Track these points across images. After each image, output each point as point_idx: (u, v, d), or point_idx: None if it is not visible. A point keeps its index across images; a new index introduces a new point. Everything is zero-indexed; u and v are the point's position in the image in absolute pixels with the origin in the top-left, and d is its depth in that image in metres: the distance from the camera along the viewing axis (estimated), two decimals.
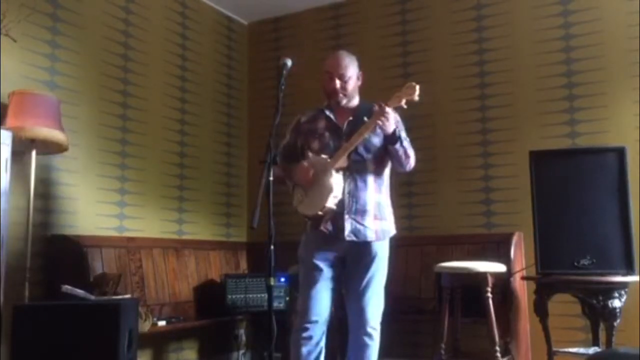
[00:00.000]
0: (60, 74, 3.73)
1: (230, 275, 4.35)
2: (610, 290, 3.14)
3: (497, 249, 3.93)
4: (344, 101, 2.81)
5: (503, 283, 3.65)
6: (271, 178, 2.37)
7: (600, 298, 3.15)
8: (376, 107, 2.69)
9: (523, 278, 3.71)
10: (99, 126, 3.96)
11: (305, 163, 2.76)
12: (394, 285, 4.26)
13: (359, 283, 2.73)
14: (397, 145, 2.69)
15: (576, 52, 4.11)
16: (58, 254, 3.52)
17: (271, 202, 2.40)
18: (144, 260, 3.99)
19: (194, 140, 4.72)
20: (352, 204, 2.70)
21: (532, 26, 4.26)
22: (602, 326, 3.33)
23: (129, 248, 3.92)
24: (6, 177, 2.81)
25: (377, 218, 2.76)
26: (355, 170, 2.72)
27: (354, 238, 2.69)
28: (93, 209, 3.88)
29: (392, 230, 2.86)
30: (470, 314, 3.66)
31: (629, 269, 3.17)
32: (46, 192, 3.60)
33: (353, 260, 2.77)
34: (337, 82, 2.78)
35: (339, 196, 2.66)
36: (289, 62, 2.65)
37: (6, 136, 2.83)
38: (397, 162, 2.78)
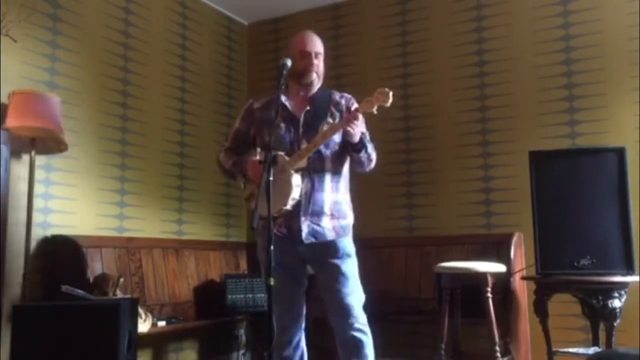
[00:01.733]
0: (60, 74, 3.73)
1: (230, 275, 4.35)
2: (610, 290, 3.14)
3: (497, 249, 3.93)
4: (317, 81, 2.70)
5: (503, 283, 3.65)
6: (271, 178, 2.36)
7: (600, 298, 3.15)
8: (336, 97, 2.63)
9: (523, 278, 3.71)
10: (99, 126, 3.97)
11: (257, 158, 2.62)
12: (394, 285, 4.30)
13: (333, 286, 2.60)
14: (362, 153, 2.59)
15: (576, 52, 4.11)
16: (58, 254, 3.52)
17: (271, 203, 2.39)
18: (144, 260, 3.99)
19: (194, 140, 4.72)
20: (309, 206, 2.59)
21: (532, 26, 4.26)
22: (602, 326, 3.33)
23: (128, 248, 3.92)
24: (6, 177, 2.81)
25: (334, 217, 2.65)
26: (313, 170, 2.60)
27: (312, 240, 2.59)
28: (93, 209, 3.88)
29: (351, 227, 2.73)
30: (470, 314, 3.66)
31: (629, 269, 3.17)
32: (46, 192, 3.60)
33: (318, 262, 2.66)
34: (314, 61, 2.67)
35: (297, 198, 2.54)
36: (289, 63, 2.57)
37: (6, 136, 2.83)
38: (358, 165, 2.68)
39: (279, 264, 2.59)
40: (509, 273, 3.67)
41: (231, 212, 5.04)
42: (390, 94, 2.44)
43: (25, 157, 3.37)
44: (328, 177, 2.64)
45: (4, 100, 3.30)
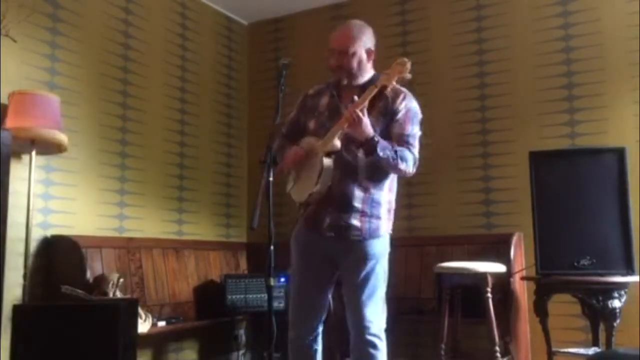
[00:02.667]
0: (60, 74, 3.73)
1: (230, 275, 4.35)
2: (610, 290, 3.14)
3: (497, 249, 3.93)
4: (345, 81, 2.53)
5: (503, 283, 3.65)
6: (271, 178, 2.36)
7: (600, 298, 3.15)
8: (381, 79, 2.40)
9: (523, 278, 3.70)
10: (99, 126, 3.97)
11: (296, 146, 2.54)
12: (394, 286, 4.28)
13: (352, 287, 2.48)
14: (376, 156, 2.35)
15: (576, 52, 4.11)
16: (58, 254, 3.52)
17: (271, 203, 2.39)
18: (144, 260, 3.99)
19: (194, 140, 4.72)
20: (335, 196, 2.43)
21: (532, 27, 4.26)
22: (602, 326, 3.33)
23: (128, 248, 3.92)
24: (6, 177, 2.81)
25: (366, 215, 2.46)
26: (347, 157, 2.44)
27: (332, 234, 2.46)
28: (93, 210, 3.88)
29: (385, 230, 2.55)
30: (470, 314, 3.66)
31: (629, 269, 3.16)
32: (46, 192, 3.60)
33: (342, 260, 2.51)
34: (338, 59, 2.51)
35: (328, 183, 2.39)
36: (288, 62, 2.54)
37: (6, 136, 2.83)
38: (386, 168, 2.45)
39: (303, 259, 2.58)
40: (509, 273, 3.67)
41: (231, 212, 5.04)
42: (409, 64, 2.30)
43: (25, 157, 3.37)
44: (363, 168, 2.45)
45: (4, 100, 3.30)
